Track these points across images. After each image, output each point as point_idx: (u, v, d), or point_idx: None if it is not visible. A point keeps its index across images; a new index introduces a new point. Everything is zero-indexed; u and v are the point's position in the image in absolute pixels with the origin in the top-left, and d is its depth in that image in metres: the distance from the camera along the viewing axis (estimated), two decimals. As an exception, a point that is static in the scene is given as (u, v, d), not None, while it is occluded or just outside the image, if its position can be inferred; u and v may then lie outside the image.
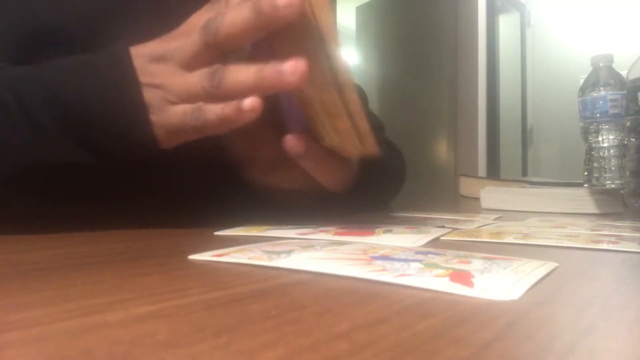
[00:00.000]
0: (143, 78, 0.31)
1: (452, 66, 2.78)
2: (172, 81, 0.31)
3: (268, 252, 0.23)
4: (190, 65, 0.31)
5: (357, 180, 0.42)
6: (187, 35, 0.32)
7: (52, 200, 0.33)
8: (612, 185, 0.86)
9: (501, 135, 2.92)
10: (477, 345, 0.12)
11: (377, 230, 0.33)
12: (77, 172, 0.32)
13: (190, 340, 0.12)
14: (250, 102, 0.30)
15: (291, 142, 0.33)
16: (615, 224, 0.44)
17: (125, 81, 0.31)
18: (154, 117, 0.31)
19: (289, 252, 0.23)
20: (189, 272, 0.21)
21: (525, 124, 3.22)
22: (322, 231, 0.32)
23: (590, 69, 0.91)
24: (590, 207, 0.61)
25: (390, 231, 0.32)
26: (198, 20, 0.32)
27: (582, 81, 0.94)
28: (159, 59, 0.32)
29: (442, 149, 2.83)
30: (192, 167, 0.38)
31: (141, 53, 0.32)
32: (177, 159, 0.34)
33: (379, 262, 0.21)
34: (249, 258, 0.22)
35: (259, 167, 0.37)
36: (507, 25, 3.04)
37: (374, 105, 3.09)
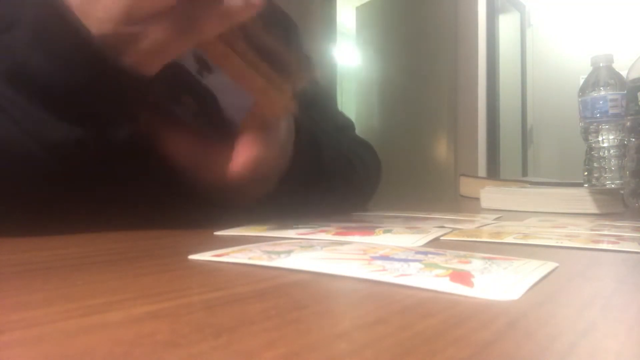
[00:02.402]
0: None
1: (452, 66, 2.78)
2: None
3: (268, 252, 0.23)
4: None
5: (320, 173, 0.42)
6: None
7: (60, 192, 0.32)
8: (612, 185, 0.86)
9: (501, 135, 2.92)
10: (477, 345, 0.12)
11: (377, 230, 0.33)
12: (80, 148, 0.31)
13: (190, 340, 0.12)
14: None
15: (238, 164, 0.33)
16: (615, 224, 0.44)
17: (75, 35, 0.29)
18: (122, 46, 0.29)
19: (289, 252, 0.23)
20: (189, 272, 0.21)
21: (525, 124, 3.23)
22: (322, 231, 0.32)
23: (590, 69, 0.91)
24: (590, 207, 0.61)
25: (390, 231, 0.32)
26: None
27: (582, 81, 0.94)
28: None
29: (442, 149, 2.83)
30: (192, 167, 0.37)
31: None
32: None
33: (379, 262, 0.21)
34: (249, 258, 0.22)
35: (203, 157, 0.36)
36: (507, 25, 3.05)
37: (374, 105, 3.10)
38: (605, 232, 0.37)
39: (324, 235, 0.31)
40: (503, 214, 0.57)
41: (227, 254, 0.23)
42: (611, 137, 0.88)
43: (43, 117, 0.30)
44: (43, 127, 0.30)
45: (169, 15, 0.29)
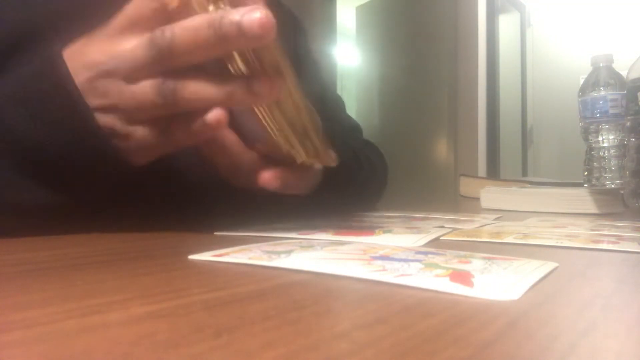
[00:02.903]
0: (94, 101, 0.28)
1: (452, 66, 2.78)
2: (122, 98, 0.29)
3: (268, 252, 0.23)
4: (134, 77, 0.28)
5: (331, 176, 0.42)
6: (130, 31, 0.28)
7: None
8: (612, 185, 0.86)
9: (501, 135, 2.92)
10: (477, 345, 0.12)
11: (377, 230, 0.33)
12: (53, 211, 0.30)
13: (190, 340, 0.12)
14: (214, 116, 0.28)
15: (267, 178, 0.33)
16: (615, 224, 0.44)
17: (77, 115, 0.28)
18: (116, 141, 0.30)
19: (289, 252, 0.23)
20: (189, 272, 0.21)
21: (525, 124, 3.23)
22: (322, 231, 0.32)
23: (590, 69, 0.91)
24: (590, 207, 0.61)
25: (390, 231, 0.32)
26: (137, 10, 0.28)
27: (582, 81, 0.94)
28: (105, 74, 0.28)
29: (442, 149, 2.83)
30: (191, 167, 0.37)
31: (84, 64, 0.28)
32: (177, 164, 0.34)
33: (379, 262, 0.21)
34: (249, 258, 0.22)
35: (222, 172, 0.36)
36: (507, 25, 3.05)
37: (374, 105, 3.10)
38: (605, 232, 0.37)
39: (324, 235, 0.31)
40: (503, 214, 0.57)
41: (227, 254, 0.23)
42: (611, 137, 0.88)
43: (16, 181, 0.30)
44: (15, 190, 0.30)
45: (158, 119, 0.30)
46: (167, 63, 0.28)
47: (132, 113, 0.29)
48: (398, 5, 2.98)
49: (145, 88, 0.28)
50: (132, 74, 0.28)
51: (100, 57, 0.28)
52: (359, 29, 3.23)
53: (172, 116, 0.30)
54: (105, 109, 0.29)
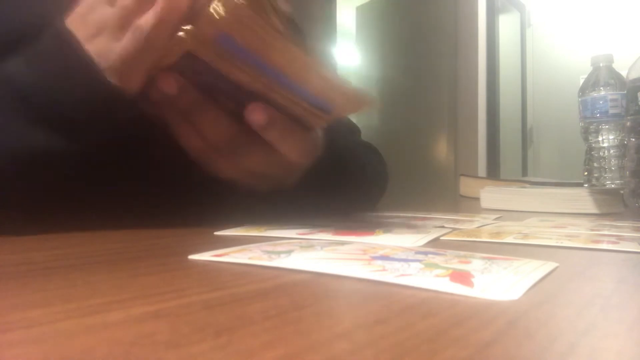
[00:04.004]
0: (84, 32, 0.31)
1: (452, 66, 2.78)
2: (104, 13, 0.31)
3: (268, 252, 0.23)
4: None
5: (332, 175, 0.42)
6: None
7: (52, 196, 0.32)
8: (612, 185, 0.86)
9: (501, 135, 2.92)
10: (477, 345, 0.12)
11: (377, 230, 0.33)
12: (59, 159, 0.32)
13: (190, 340, 0.12)
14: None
15: (253, 112, 0.33)
16: (615, 224, 0.44)
17: (66, 45, 0.31)
18: (105, 65, 0.31)
19: (289, 252, 0.23)
20: (189, 272, 0.21)
21: (525, 124, 3.23)
22: (322, 231, 0.32)
23: (590, 69, 0.91)
24: (590, 207, 0.61)
25: (390, 231, 0.32)
26: None
27: (582, 81, 0.94)
28: (89, 8, 0.31)
29: (442, 149, 2.83)
30: (191, 167, 0.37)
31: (76, 12, 0.32)
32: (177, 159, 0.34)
33: (379, 262, 0.21)
34: (249, 258, 0.22)
35: (216, 153, 0.36)
36: (507, 25, 3.05)
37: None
38: (605, 232, 0.37)
39: (324, 235, 0.31)
40: (503, 214, 0.57)
41: (227, 254, 0.23)
42: (611, 137, 0.88)
43: (19, 126, 0.31)
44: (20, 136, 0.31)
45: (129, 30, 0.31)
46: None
47: (113, 22, 0.31)
48: (398, 5, 2.98)
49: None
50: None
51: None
52: (359, 29, 3.23)
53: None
54: (92, 36, 0.31)
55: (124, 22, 0.31)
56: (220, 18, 0.29)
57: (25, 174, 0.32)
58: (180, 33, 0.30)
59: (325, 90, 0.33)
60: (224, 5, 0.29)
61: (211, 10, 0.29)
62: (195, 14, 0.30)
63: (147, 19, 0.30)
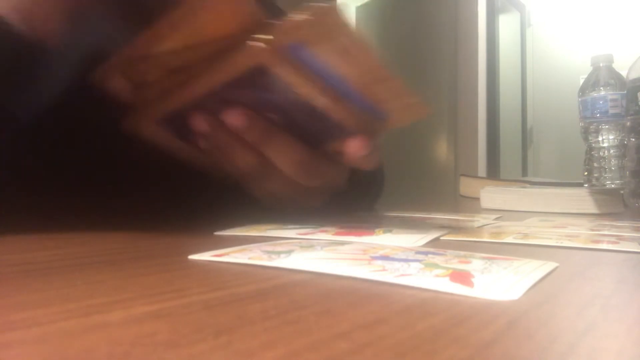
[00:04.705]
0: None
1: (452, 66, 2.78)
2: None
3: (268, 252, 0.23)
4: None
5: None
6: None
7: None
8: (612, 185, 0.86)
9: (501, 136, 2.92)
10: (477, 345, 0.12)
11: (377, 230, 0.33)
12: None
13: (190, 340, 0.12)
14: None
15: (230, 116, 0.31)
16: (615, 224, 0.44)
17: None
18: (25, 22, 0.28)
19: (289, 252, 0.23)
20: (189, 272, 0.21)
21: (525, 124, 3.23)
22: (322, 231, 0.32)
23: (590, 69, 0.91)
24: (590, 207, 0.61)
25: (390, 231, 0.32)
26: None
27: (582, 81, 0.94)
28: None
29: (442, 149, 2.83)
30: (191, 167, 0.38)
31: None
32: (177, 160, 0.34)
33: (379, 262, 0.21)
34: (249, 258, 0.22)
35: (236, 174, 0.36)
36: (507, 25, 3.05)
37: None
38: (605, 232, 0.37)
39: (324, 235, 0.31)
40: (503, 214, 0.57)
41: (227, 254, 0.23)
42: (611, 137, 0.88)
43: None
44: None
45: None
46: None
47: None
48: (398, 5, 2.98)
49: None
50: None
51: None
52: (359, 29, 3.23)
53: None
54: None
55: None
56: (304, 23, 0.26)
57: None
58: (255, 43, 0.26)
59: (388, 100, 0.31)
60: (308, 9, 0.26)
61: (292, 16, 0.26)
62: (263, 23, 0.27)
63: None
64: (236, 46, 0.27)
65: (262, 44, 0.27)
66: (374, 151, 0.35)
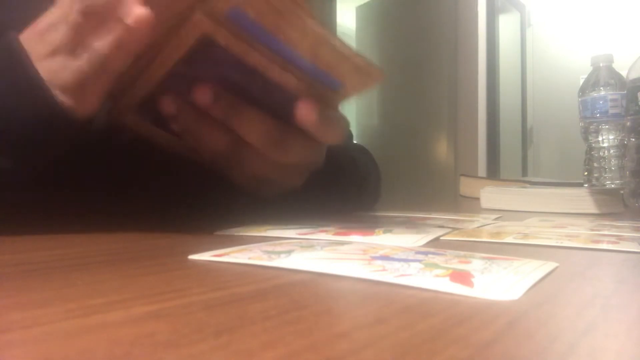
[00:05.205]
0: (39, 50, 0.30)
1: (452, 66, 2.78)
2: (61, 31, 0.29)
3: (268, 252, 0.23)
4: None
5: (330, 176, 0.41)
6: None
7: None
8: (612, 185, 0.86)
9: (501, 136, 2.92)
10: (477, 345, 0.12)
11: (377, 230, 0.33)
12: (6, 178, 0.30)
13: (190, 340, 0.12)
14: (136, 14, 0.28)
15: (304, 109, 0.32)
16: (615, 224, 0.44)
17: (17, 62, 0.29)
18: (58, 84, 0.30)
19: (289, 252, 0.23)
20: (189, 272, 0.21)
21: (525, 124, 3.23)
22: (322, 231, 0.32)
23: (590, 69, 0.91)
24: (590, 207, 0.61)
25: (390, 231, 0.32)
26: None
27: (582, 81, 0.94)
28: (48, 26, 0.30)
29: (442, 149, 2.83)
30: (191, 167, 0.38)
31: (34, 29, 0.30)
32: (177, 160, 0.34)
33: (379, 262, 0.21)
34: (249, 258, 0.22)
35: (211, 158, 0.36)
36: (507, 25, 3.05)
37: (374, 105, 3.10)
38: (605, 232, 0.37)
39: (324, 235, 0.31)
40: (503, 214, 0.57)
41: (227, 254, 0.23)
42: (611, 137, 0.88)
43: None
44: None
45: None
46: None
47: (67, 38, 0.29)
48: (398, 5, 2.98)
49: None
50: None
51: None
52: (359, 29, 3.23)
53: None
54: (48, 55, 0.30)
55: (78, 41, 0.29)
56: None
57: None
58: (196, 14, 0.28)
59: (337, 65, 0.31)
60: None
61: None
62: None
63: (104, 43, 0.29)
64: (183, 22, 0.29)
65: (202, 15, 0.28)
66: (335, 122, 0.34)
